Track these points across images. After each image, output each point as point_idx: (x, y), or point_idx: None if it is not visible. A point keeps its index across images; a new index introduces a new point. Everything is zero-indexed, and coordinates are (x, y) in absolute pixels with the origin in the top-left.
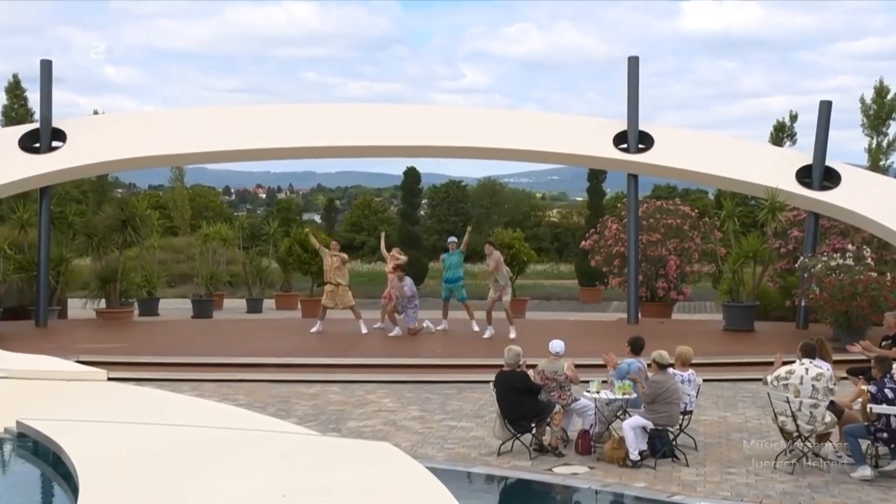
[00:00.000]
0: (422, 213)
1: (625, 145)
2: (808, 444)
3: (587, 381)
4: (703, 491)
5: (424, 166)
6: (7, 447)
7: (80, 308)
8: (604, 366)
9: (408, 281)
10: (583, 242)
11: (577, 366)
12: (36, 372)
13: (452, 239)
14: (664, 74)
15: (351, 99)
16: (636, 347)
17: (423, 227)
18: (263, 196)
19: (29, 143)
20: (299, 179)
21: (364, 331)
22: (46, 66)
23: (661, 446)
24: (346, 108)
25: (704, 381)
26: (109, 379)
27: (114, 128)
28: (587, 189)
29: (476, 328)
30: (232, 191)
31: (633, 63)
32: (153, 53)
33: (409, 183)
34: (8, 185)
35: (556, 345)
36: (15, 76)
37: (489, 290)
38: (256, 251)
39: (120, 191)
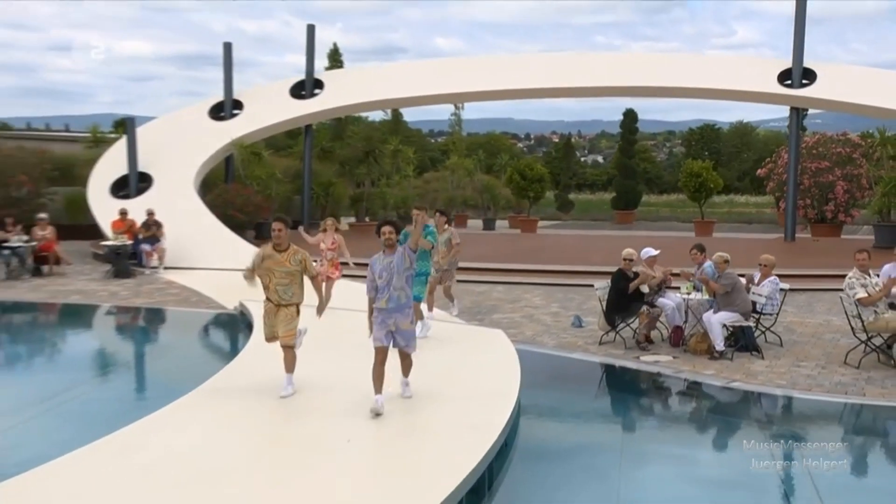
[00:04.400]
0: (667, 151)
1: (789, 81)
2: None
3: (675, 288)
4: (762, 380)
5: (684, 112)
6: (225, 318)
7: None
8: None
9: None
10: (758, 171)
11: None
12: None
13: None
14: None
15: None
16: (704, 250)
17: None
18: (556, 140)
19: (297, 92)
20: (587, 126)
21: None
22: (228, 48)
23: (741, 340)
24: (627, 57)
25: (828, 290)
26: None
27: (369, 76)
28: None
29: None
30: (531, 137)
31: (801, 2)
32: (474, 26)
33: (628, 122)
34: (282, 122)
35: (645, 251)
36: (335, 45)
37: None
38: (488, 180)
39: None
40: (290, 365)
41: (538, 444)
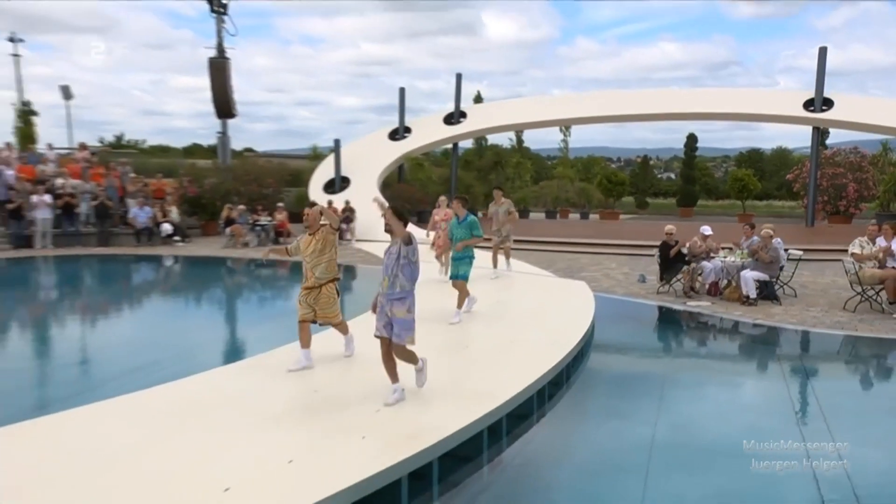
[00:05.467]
0: (723, 170)
1: (812, 108)
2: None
3: (713, 256)
4: (778, 319)
5: (737, 141)
6: None
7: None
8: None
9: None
10: (787, 175)
11: (724, 247)
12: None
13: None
14: None
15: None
16: (754, 227)
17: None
18: (639, 161)
19: (448, 120)
20: (663, 152)
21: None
22: (402, 91)
23: (765, 291)
24: (692, 92)
25: (834, 260)
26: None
27: (499, 108)
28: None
29: (457, 319)
30: (621, 159)
31: (823, 51)
32: (580, 80)
33: (690, 142)
34: (437, 141)
35: (703, 229)
36: (478, 92)
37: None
38: (584, 186)
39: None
40: (345, 329)
41: (605, 358)
